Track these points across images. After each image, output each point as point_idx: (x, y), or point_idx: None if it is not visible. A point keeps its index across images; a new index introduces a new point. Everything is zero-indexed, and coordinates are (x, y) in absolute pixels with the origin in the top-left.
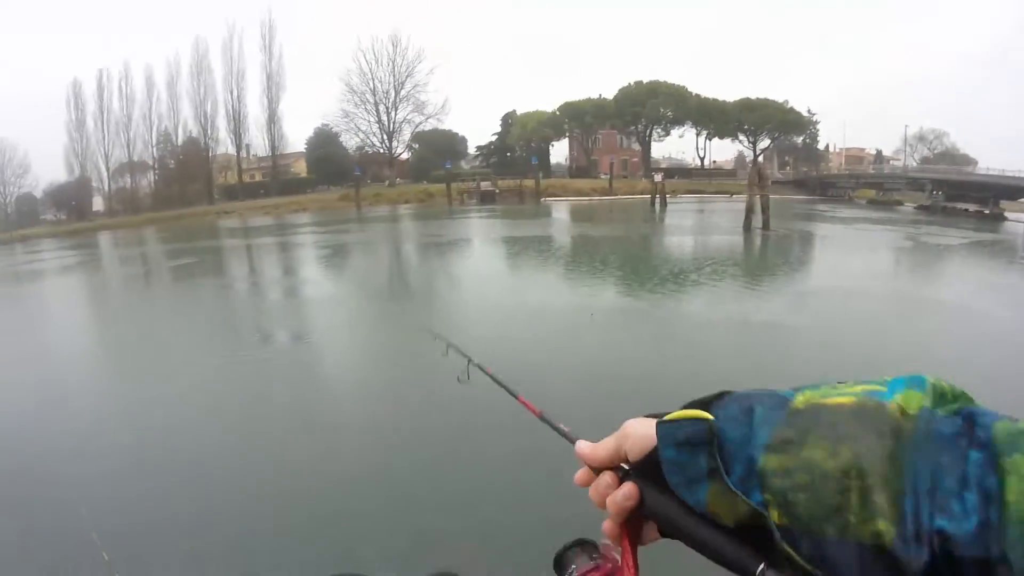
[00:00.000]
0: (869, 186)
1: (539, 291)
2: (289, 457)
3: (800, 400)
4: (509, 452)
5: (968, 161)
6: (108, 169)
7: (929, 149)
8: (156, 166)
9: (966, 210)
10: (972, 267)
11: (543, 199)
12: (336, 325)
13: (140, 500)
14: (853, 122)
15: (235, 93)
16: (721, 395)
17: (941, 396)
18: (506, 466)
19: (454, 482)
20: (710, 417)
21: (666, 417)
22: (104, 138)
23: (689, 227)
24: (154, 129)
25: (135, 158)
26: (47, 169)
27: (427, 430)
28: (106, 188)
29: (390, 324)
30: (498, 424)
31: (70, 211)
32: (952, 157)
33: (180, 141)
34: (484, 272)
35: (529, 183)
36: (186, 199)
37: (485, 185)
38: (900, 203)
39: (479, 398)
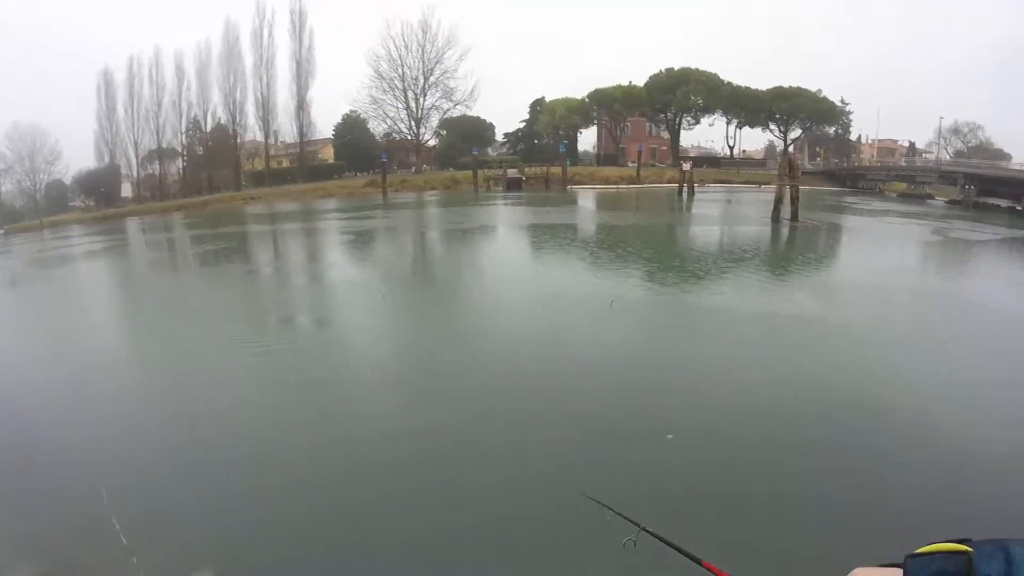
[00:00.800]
0: (900, 179)
1: (562, 280)
2: None
3: None
4: None
5: (1003, 156)
6: (137, 156)
7: (963, 142)
8: (184, 153)
9: (998, 206)
10: (1001, 264)
11: (569, 187)
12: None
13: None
14: (887, 113)
15: (264, 80)
16: (964, 540)
17: None
18: None
19: None
20: (968, 550)
21: (916, 552)
22: (134, 125)
23: (717, 217)
24: (183, 116)
25: (164, 145)
26: (77, 156)
27: None
28: (135, 175)
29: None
30: None
31: (98, 197)
32: (986, 151)
33: (209, 128)
34: (512, 260)
35: (556, 170)
36: (214, 185)
37: (511, 172)
38: (931, 197)
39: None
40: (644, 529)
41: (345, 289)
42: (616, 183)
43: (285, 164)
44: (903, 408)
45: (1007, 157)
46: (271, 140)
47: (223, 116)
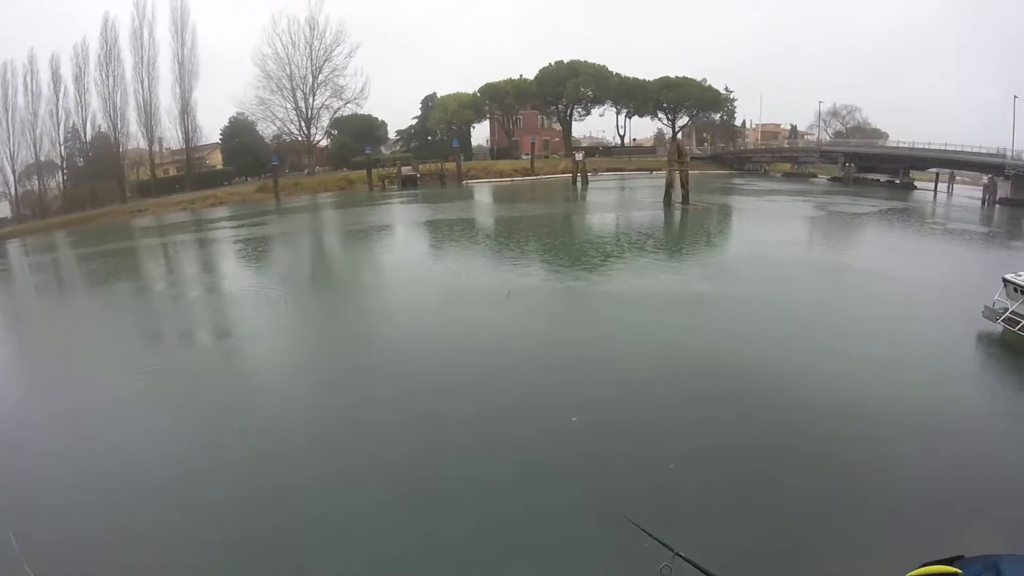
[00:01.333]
0: (784, 160)
1: (465, 272)
2: None
3: None
4: None
5: (879, 135)
6: (14, 172)
7: (842, 124)
8: (64, 165)
9: (878, 180)
10: (878, 233)
11: (465, 181)
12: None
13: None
14: (769, 99)
15: (146, 83)
16: (955, 559)
17: None
18: None
19: None
20: (959, 571)
21: (908, 574)
22: (9, 138)
23: (611, 204)
24: (61, 125)
25: (42, 158)
26: None
27: None
28: (12, 192)
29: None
30: None
31: None
32: (864, 131)
33: (89, 137)
34: (411, 259)
35: (451, 166)
36: (98, 199)
37: (406, 170)
38: (814, 175)
39: None
40: (678, 554)
41: (244, 300)
42: (511, 176)
43: (172, 172)
44: (774, 366)
45: (884, 136)
46: (155, 147)
47: (103, 123)
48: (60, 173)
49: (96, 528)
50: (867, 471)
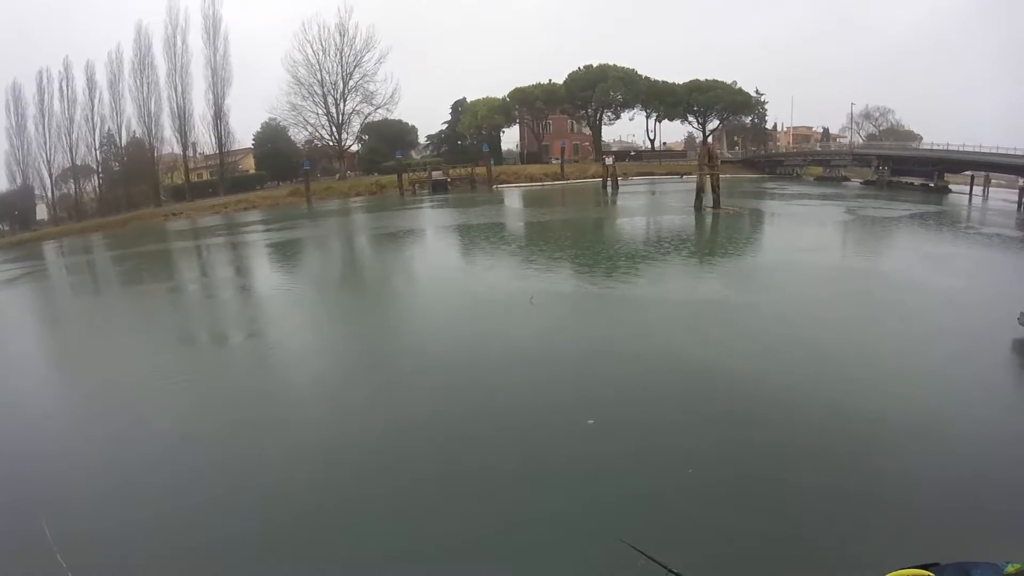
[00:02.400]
0: (817, 163)
1: (492, 279)
2: None
3: (1012, 569)
4: None
5: (913, 137)
6: (51, 176)
7: (875, 126)
8: (100, 170)
9: (911, 183)
10: (909, 238)
11: (495, 186)
12: None
13: None
14: (801, 102)
15: (179, 90)
16: (930, 566)
17: None
18: None
19: None
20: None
21: None
22: (46, 143)
23: (642, 208)
24: (97, 131)
25: (78, 162)
26: None
27: None
28: (49, 195)
29: None
30: None
31: (13, 222)
32: (897, 133)
33: (124, 142)
34: (444, 263)
35: (481, 170)
36: (132, 202)
37: (436, 174)
38: (847, 179)
39: None
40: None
41: (275, 299)
42: (541, 180)
43: (205, 176)
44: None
45: (918, 138)
46: (189, 152)
47: (138, 129)
48: (96, 177)
49: (130, 521)
50: (901, 490)
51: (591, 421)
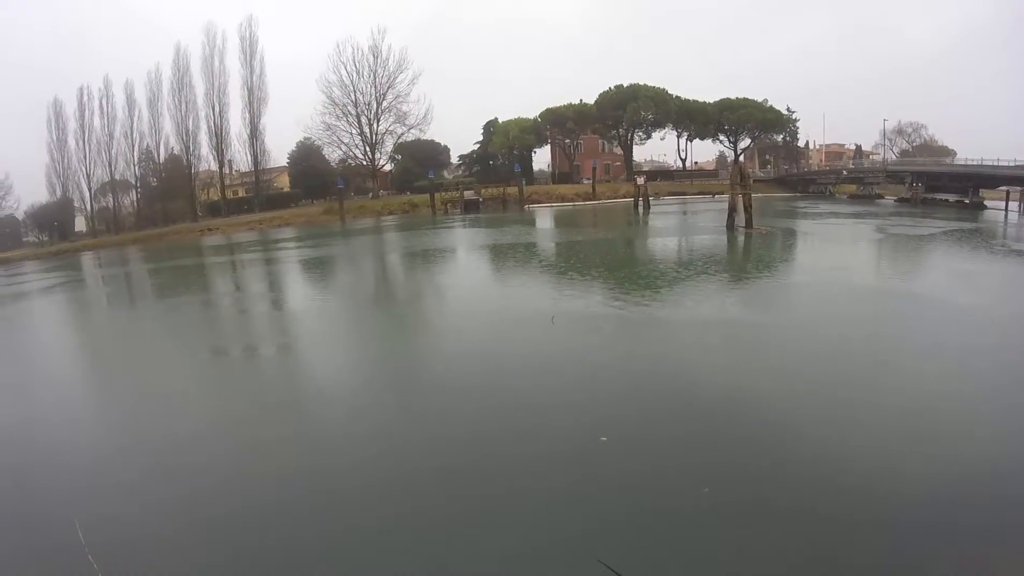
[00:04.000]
0: (850, 181)
1: (525, 298)
2: None
3: None
4: None
5: (947, 152)
6: (90, 189)
7: (908, 142)
8: (138, 184)
9: (946, 200)
10: (943, 255)
11: (527, 206)
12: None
13: None
14: (832, 119)
15: (216, 108)
16: None
17: None
18: None
19: None
20: None
21: None
22: (86, 157)
23: (673, 228)
24: (135, 147)
25: (117, 177)
26: (29, 190)
27: None
28: (88, 208)
29: None
30: None
31: (52, 232)
32: (931, 149)
33: (162, 159)
34: (477, 282)
35: (512, 190)
36: (169, 217)
37: (468, 194)
38: (881, 196)
39: None
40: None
41: (305, 315)
42: (572, 200)
43: (241, 193)
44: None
45: (952, 153)
46: (225, 169)
47: (176, 146)
48: (134, 191)
49: (163, 526)
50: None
51: (604, 438)
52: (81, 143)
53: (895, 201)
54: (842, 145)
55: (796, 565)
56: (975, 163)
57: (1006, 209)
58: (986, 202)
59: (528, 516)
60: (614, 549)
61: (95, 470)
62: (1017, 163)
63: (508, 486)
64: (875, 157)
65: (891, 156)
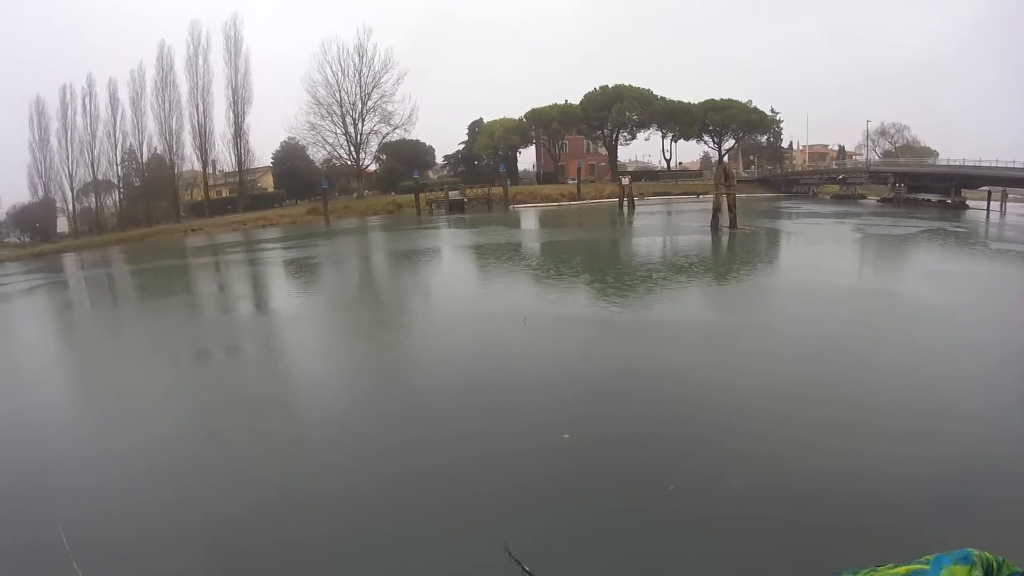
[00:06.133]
0: (833, 182)
1: (509, 300)
2: None
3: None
4: None
5: (929, 153)
6: (72, 189)
7: (891, 143)
8: (121, 184)
9: (928, 200)
10: (914, 255)
11: (512, 206)
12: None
13: None
14: (816, 120)
15: (200, 108)
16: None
17: (988, 569)
18: None
19: None
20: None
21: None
22: (68, 157)
23: (658, 228)
24: (119, 147)
25: (99, 177)
26: (10, 190)
27: None
28: (70, 208)
29: None
30: None
31: (34, 233)
32: (913, 150)
33: (145, 158)
34: (461, 283)
35: (497, 191)
36: (152, 217)
37: (453, 194)
38: (864, 197)
39: None
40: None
41: (288, 317)
42: (557, 200)
43: (225, 193)
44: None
45: (934, 154)
46: (209, 169)
47: (159, 146)
48: (116, 191)
49: (147, 531)
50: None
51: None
52: (64, 142)
53: (877, 201)
54: (825, 146)
55: (765, 562)
56: (957, 163)
57: (987, 209)
58: (968, 202)
59: (485, 516)
60: (568, 548)
61: (79, 477)
62: (997, 163)
63: (470, 487)
64: (858, 158)
65: (874, 157)
